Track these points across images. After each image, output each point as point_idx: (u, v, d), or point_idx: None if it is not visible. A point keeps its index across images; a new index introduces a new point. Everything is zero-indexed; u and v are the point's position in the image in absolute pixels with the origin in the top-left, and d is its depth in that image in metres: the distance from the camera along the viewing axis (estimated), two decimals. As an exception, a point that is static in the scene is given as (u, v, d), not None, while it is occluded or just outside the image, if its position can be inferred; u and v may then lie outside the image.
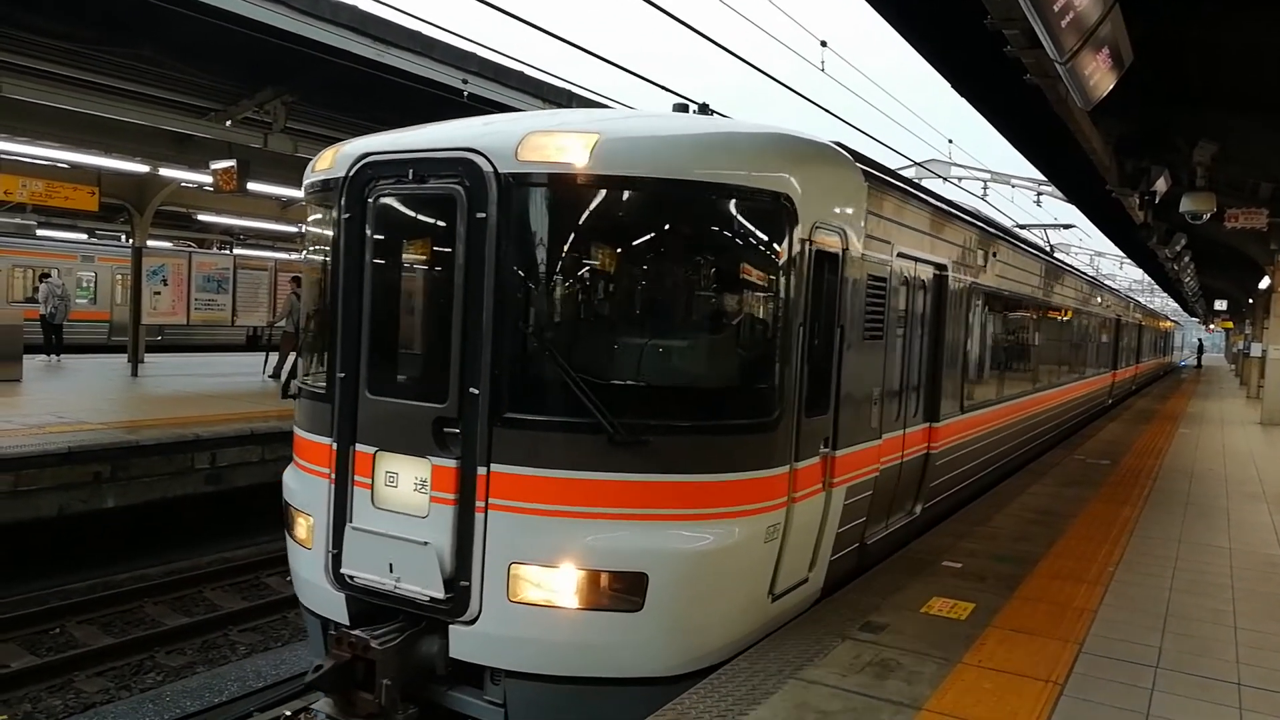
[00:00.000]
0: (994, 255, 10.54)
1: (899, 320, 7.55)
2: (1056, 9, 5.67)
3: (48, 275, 24.68)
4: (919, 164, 24.40)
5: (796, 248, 5.46)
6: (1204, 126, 11.88)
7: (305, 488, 5.75)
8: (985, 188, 26.23)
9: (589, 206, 5.16)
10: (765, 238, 5.44)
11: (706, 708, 4.62)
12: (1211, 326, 67.70)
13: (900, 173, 8.56)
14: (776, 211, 5.39)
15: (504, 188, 4.96)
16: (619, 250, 5.37)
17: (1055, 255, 18.10)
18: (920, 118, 22.29)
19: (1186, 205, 13.13)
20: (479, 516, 4.97)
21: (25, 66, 11.87)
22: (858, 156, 6.72)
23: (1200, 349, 70.29)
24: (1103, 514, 9.88)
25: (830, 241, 5.87)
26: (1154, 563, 7.91)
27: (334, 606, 5.48)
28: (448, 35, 11.09)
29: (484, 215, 4.96)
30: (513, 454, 4.95)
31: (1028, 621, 6.14)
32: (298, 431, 6.01)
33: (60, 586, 9.99)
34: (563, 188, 5.09)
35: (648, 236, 5.37)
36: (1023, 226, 22.03)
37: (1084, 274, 21.17)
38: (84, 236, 31.29)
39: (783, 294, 5.44)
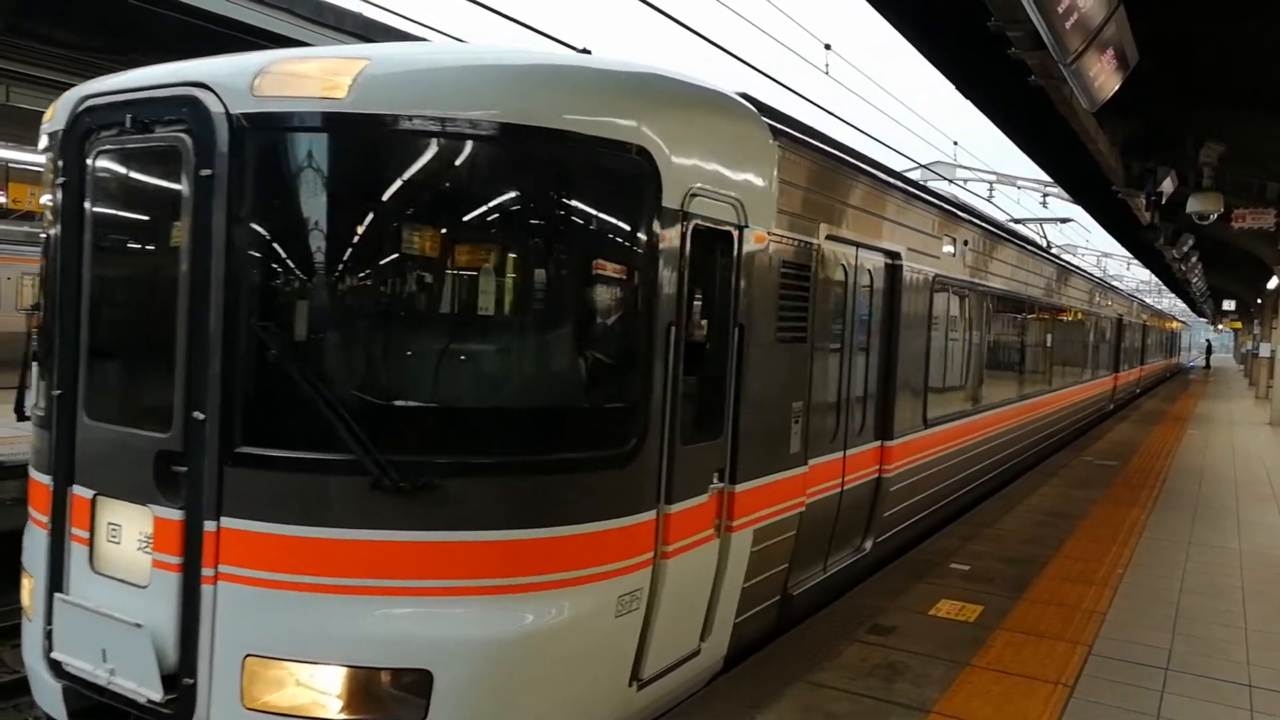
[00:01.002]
0: (966, 244, 9.35)
1: (832, 318, 6.31)
2: (1060, 10, 5.68)
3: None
4: (924, 166, 24.37)
5: (662, 220, 4.19)
6: (1211, 125, 11.86)
7: (31, 540, 4.41)
8: (991, 189, 26.18)
9: (349, 158, 3.87)
10: (607, 206, 4.13)
11: (714, 711, 4.61)
12: (1220, 327, 67.51)
13: (846, 145, 7.28)
14: (625, 171, 4.12)
15: (237, 133, 3.68)
16: (392, 219, 3.91)
17: (1049, 250, 17.36)
18: (926, 120, 22.28)
19: (1193, 206, 13.12)
20: (206, 589, 3.69)
21: (34, 76, 11.96)
22: (766, 110, 5.53)
23: (1208, 349, 70.08)
24: (1111, 515, 9.85)
25: (719, 215, 4.63)
26: (1163, 564, 7.88)
27: (51, 700, 4.15)
28: (447, 38, 11.13)
29: (210, 172, 3.69)
30: (250, 504, 3.68)
31: (1037, 623, 6.13)
32: (30, 469, 4.55)
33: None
34: (313, 132, 3.80)
35: (433, 200, 3.98)
36: (1018, 221, 21.72)
37: (1081, 270, 19.89)
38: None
39: (640, 281, 4.16)
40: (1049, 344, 14.74)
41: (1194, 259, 25.01)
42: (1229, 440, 18.02)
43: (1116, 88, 7.27)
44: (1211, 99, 10.73)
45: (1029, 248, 13.43)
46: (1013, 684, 5.11)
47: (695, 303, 4.62)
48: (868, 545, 7.22)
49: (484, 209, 3.99)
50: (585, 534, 3.98)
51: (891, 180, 7.55)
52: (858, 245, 6.62)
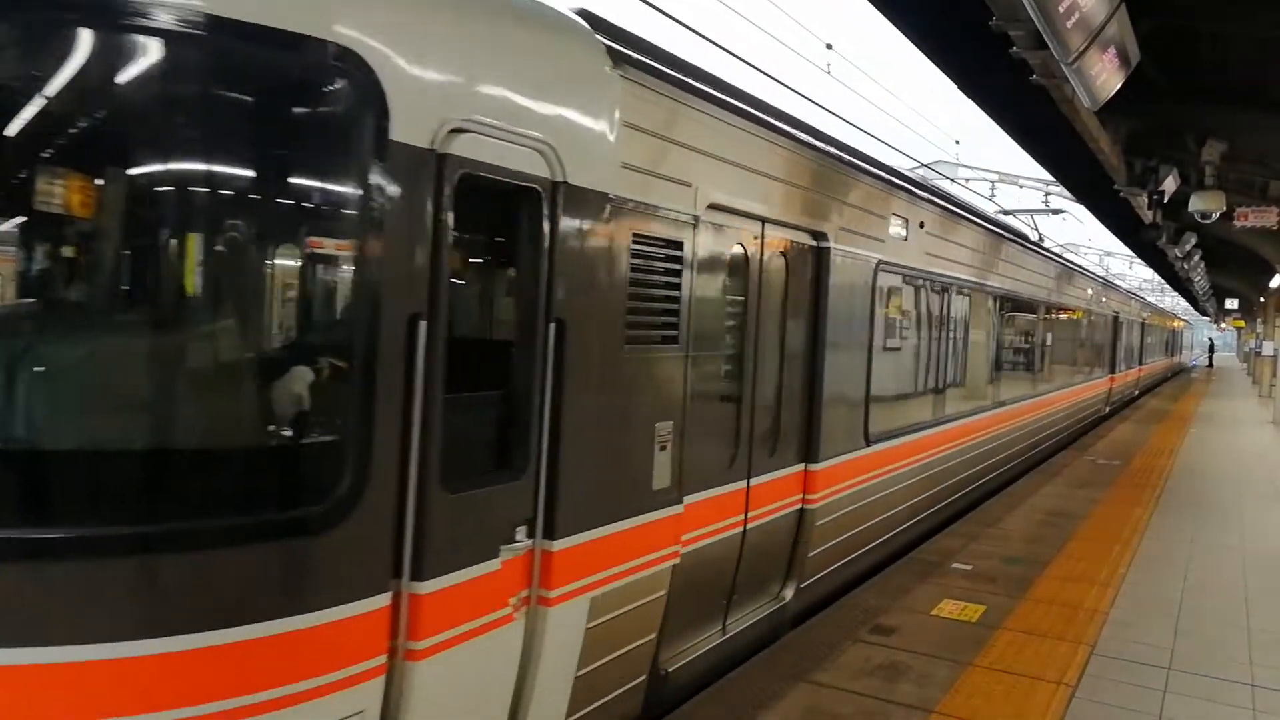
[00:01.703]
0: (922, 227, 7.98)
1: (725, 314, 5.14)
2: (1061, 9, 5.67)
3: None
4: (926, 165, 24.34)
5: (391, 162, 2.86)
6: (1213, 124, 11.85)
7: None
8: (993, 188, 26.16)
9: None
10: (291, 136, 2.87)
11: (716, 711, 4.61)
12: (1223, 325, 67.44)
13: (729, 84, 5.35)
14: (321, 84, 2.83)
15: None
16: None
17: (1040, 243, 16.31)
18: (929, 120, 22.29)
19: (1195, 204, 13.09)
20: None
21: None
22: (607, 29, 4.14)
23: (1211, 348, 69.99)
24: (1114, 515, 9.85)
25: (512, 164, 3.32)
26: (1166, 564, 7.87)
27: None
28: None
29: None
30: None
31: (1039, 623, 6.12)
32: None
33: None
34: None
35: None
36: (1007, 212, 21.08)
37: (1071, 263, 18.21)
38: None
39: (356, 252, 2.87)
40: (1031, 344, 13.53)
41: (1196, 258, 24.94)
42: (1232, 439, 18.00)
43: (1118, 86, 7.26)
44: (1214, 97, 10.72)
45: (1006, 235, 11.95)
46: (1015, 684, 5.11)
47: (484, 287, 3.57)
48: (788, 594, 5.98)
49: (60, 134, 2.62)
50: (244, 642, 2.59)
51: (813, 142, 6.03)
52: (763, 221, 5.36)
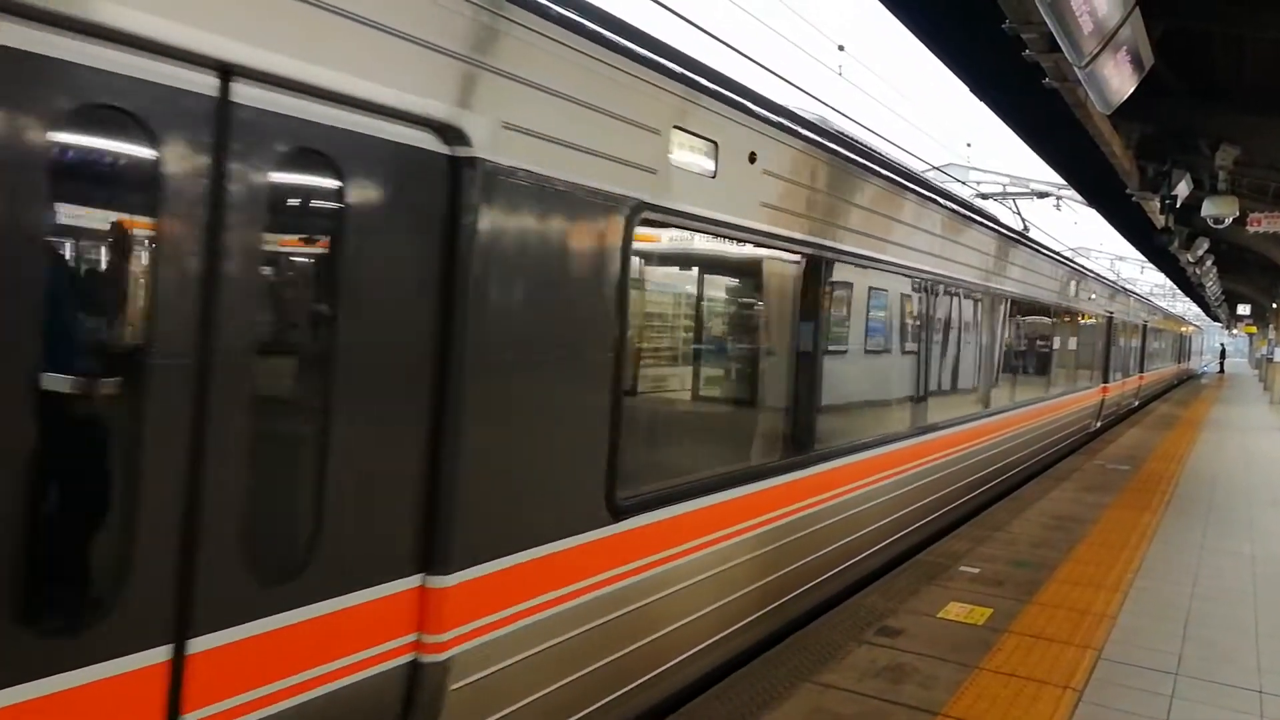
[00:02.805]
0: (754, 161, 5.08)
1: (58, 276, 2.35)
2: (1075, 12, 5.65)
3: None
4: (937, 168, 24.23)
5: None
6: (1227, 128, 11.81)
7: None
8: (1004, 190, 26.06)
9: None
10: None
11: (719, 712, 4.61)
12: (1234, 331, 67.10)
13: None
14: None
15: None
16: None
17: (1026, 234, 14.43)
18: (940, 123, 22.22)
19: (1208, 209, 13.04)
20: None
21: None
22: None
23: (1222, 354, 69.67)
24: (1122, 520, 9.81)
25: None
26: (1174, 569, 7.84)
27: None
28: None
29: None
30: None
31: (1046, 627, 6.11)
32: None
33: None
34: None
35: None
36: (984, 197, 19.39)
37: (1053, 254, 15.11)
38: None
39: None
40: (991, 349, 11.01)
41: (1208, 263, 24.83)
42: (1242, 445, 17.91)
43: (1131, 90, 7.24)
44: (1228, 102, 10.69)
45: (947, 205, 9.01)
46: (1021, 687, 5.09)
47: None
48: None
49: None
50: None
51: None
52: (222, 70, 2.52)
